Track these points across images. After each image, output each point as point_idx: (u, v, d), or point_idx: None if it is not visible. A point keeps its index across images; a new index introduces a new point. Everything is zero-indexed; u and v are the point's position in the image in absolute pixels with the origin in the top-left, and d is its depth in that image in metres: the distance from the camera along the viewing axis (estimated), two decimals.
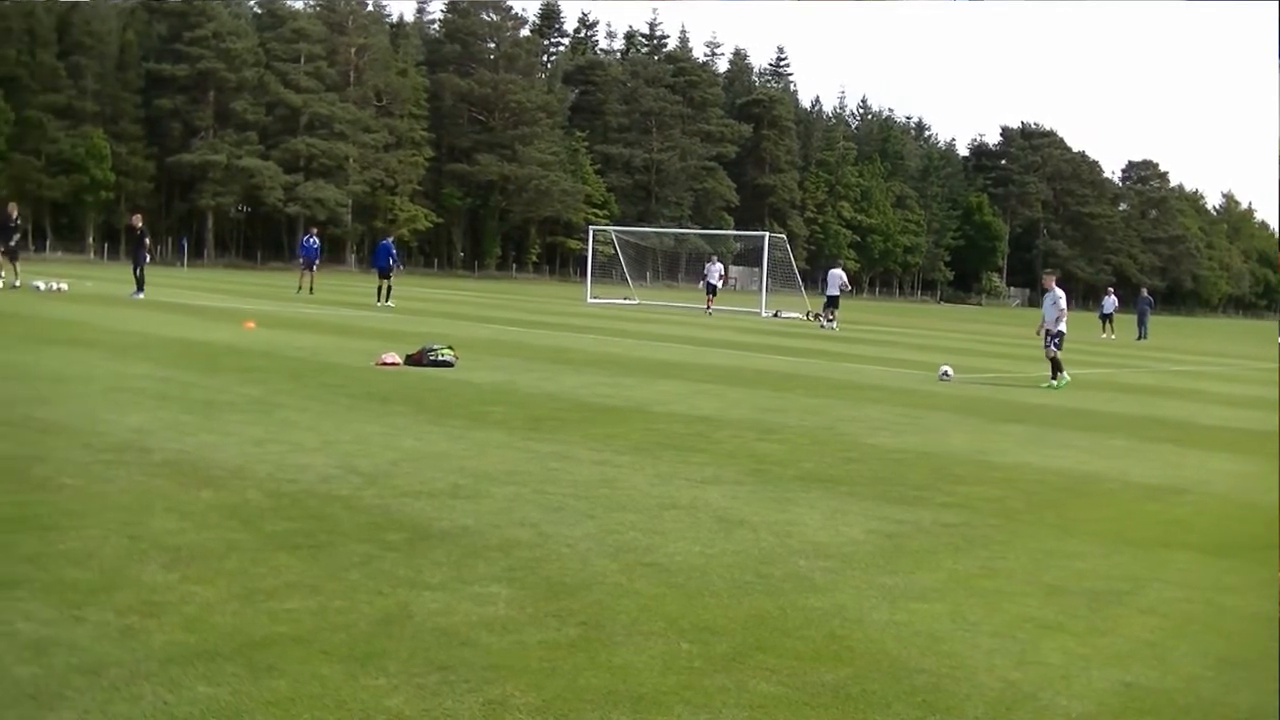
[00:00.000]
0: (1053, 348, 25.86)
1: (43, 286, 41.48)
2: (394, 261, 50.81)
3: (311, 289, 51.84)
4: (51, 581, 6.96)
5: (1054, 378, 25.75)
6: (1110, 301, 63.47)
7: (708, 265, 63.67)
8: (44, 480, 9.75)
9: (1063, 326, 26.10)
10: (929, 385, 24.63)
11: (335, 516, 9.03)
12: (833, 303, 51.44)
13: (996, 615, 7.52)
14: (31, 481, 9.67)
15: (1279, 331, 60.29)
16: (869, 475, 12.64)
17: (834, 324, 50.46)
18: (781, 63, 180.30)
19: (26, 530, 8.09)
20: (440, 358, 21.59)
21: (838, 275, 52.64)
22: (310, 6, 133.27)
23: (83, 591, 6.79)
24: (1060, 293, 26.38)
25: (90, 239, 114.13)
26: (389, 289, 49.02)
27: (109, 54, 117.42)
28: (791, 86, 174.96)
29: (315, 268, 53.95)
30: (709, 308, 59.99)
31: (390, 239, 55.20)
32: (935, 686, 6.20)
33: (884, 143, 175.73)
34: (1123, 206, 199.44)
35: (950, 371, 26.05)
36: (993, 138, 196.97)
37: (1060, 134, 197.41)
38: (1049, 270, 31.54)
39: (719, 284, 63.12)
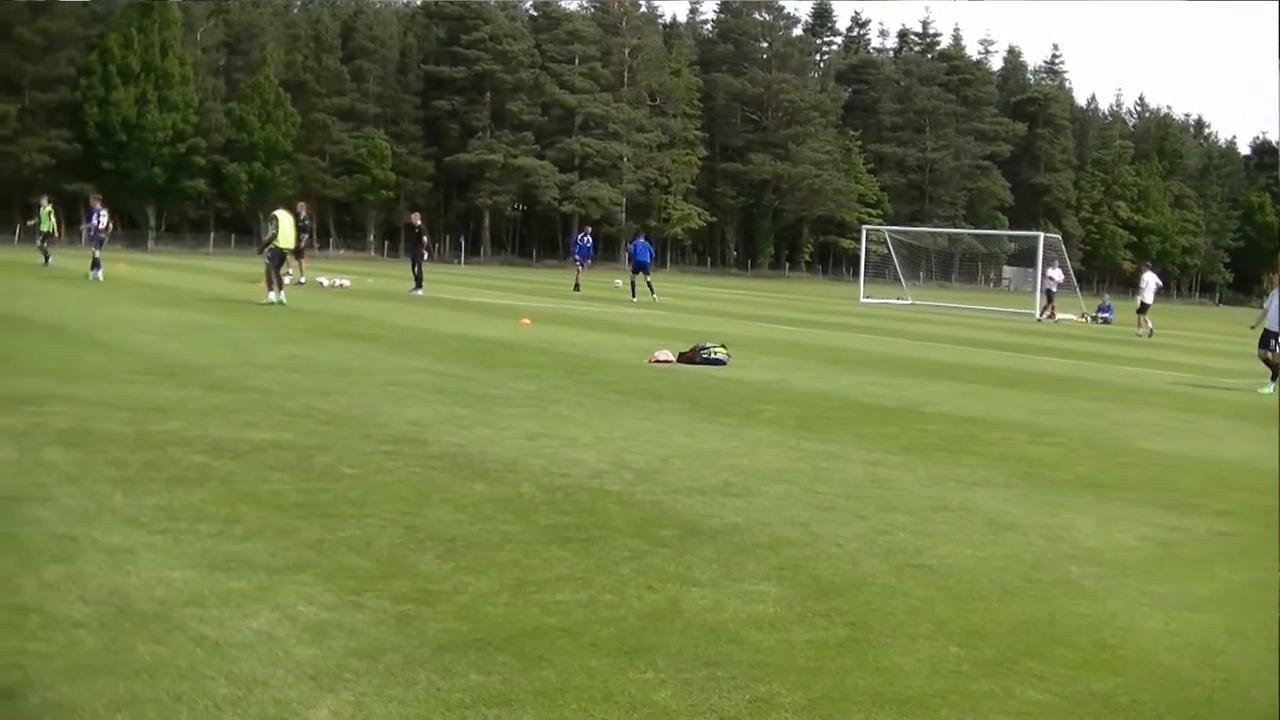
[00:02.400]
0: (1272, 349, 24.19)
1: (326, 283, 42.73)
2: (652, 258, 51.22)
3: (577, 285, 52.39)
4: (332, 567, 7.16)
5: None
6: None
7: (1048, 269, 61.24)
8: (326, 469, 10.02)
9: None
10: (1206, 390, 23.99)
11: (607, 511, 9.12)
12: (1144, 308, 49.25)
13: (1273, 629, 7.30)
14: (315, 470, 9.95)
15: None
16: (1143, 481, 12.35)
17: (1148, 330, 47.98)
18: (1056, 60, 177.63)
19: (309, 517, 8.34)
20: (713, 356, 21.65)
21: (1152, 279, 50.60)
22: (584, 8, 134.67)
23: (361, 578, 6.97)
24: None
25: (371, 236, 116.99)
26: (649, 285, 49.59)
27: (390, 58, 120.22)
28: (1067, 84, 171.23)
29: (586, 265, 54.52)
30: (1050, 315, 57.53)
31: (643, 237, 55.60)
32: (1208, 700, 6.04)
33: (1162, 141, 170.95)
34: None
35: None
36: (1276, 135, 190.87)
37: None
38: None
39: (1054, 289, 60.07)
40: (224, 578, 6.80)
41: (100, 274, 39.64)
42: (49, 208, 47.49)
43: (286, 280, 42.55)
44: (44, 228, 47.65)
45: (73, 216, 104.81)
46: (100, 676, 5.26)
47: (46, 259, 46.95)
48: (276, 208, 35.36)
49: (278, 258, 32.66)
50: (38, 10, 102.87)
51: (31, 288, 33.44)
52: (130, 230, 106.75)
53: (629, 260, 52.99)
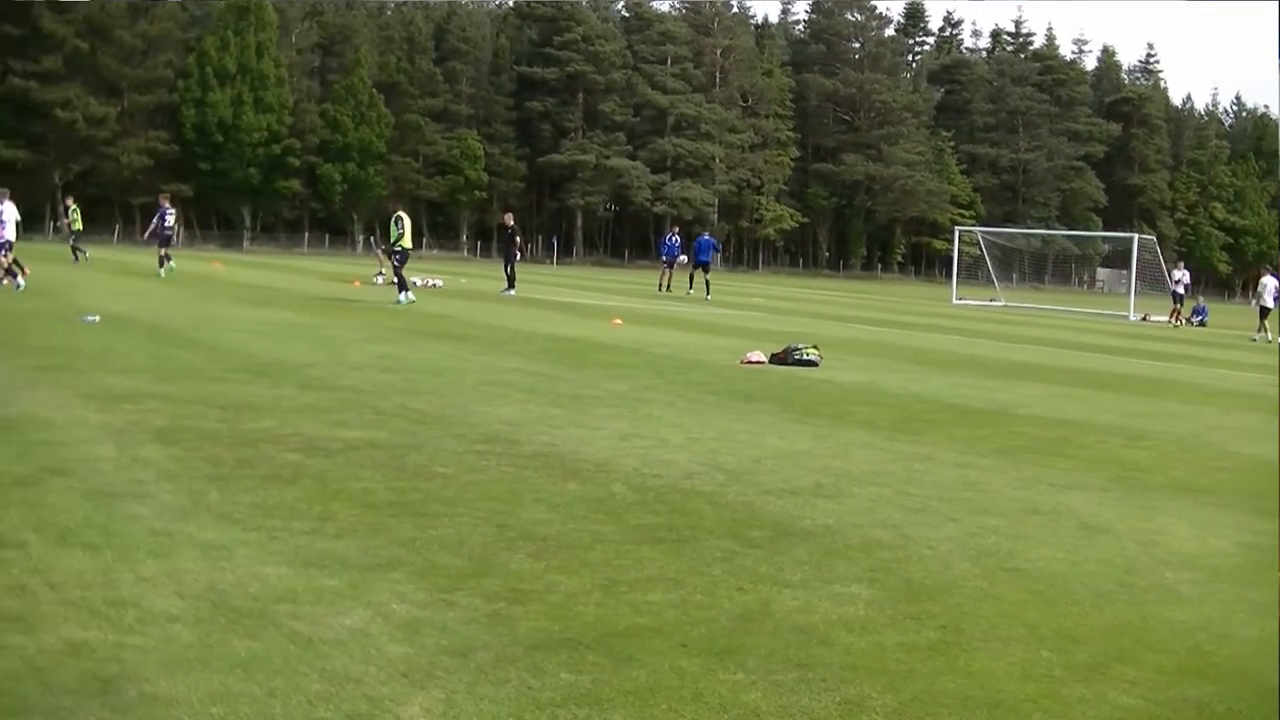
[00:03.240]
0: None
1: (419, 282, 42.97)
2: (716, 254, 51.64)
3: (668, 286, 52.44)
4: (424, 565, 7.19)
5: None
6: None
7: (1176, 272, 60.37)
8: (419, 468, 10.08)
9: None
10: None
11: (699, 512, 9.12)
12: (1265, 313, 48.14)
13: None
14: (407, 469, 10.01)
15: None
16: (1239, 485, 12.18)
17: (1266, 335, 46.72)
18: (1151, 59, 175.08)
19: (402, 515, 8.38)
20: (805, 357, 21.60)
21: (1272, 282, 48.72)
22: (676, 9, 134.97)
23: (453, 576, 7.00)
24: None
25: (464, 237, 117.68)
26: (707, 283, 50.05)
27: (483, 59, 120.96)
28: (1162, 84, 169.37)
29: (675, 266, 54.64)
30: (1178, 319, 56.75)
31: (707, 234, 55.68)
32: None
33: (1259, 141, 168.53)
34: None
35: None
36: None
37: None
38: None
39: (1183, 291, 58.73)
40: (317, 575, 6.86)
41: (171, 266, 41.68)
42: (75, 206, 48.50)
43: (379, 281, 42.99)
44: (76, 227, 48.54)
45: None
46: (196, 670, 5.32)
47: (76, 256, 47.71)
48: (400, 208, 35.83)
49: (404, 258, 33.40)
50: (137, 14, 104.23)
51: (131, 288, 33.83)
52: (226, 230, 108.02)
53: (691, 257, 53.23)
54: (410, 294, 32.53)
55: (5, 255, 31.60)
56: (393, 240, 33.84)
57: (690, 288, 49.74)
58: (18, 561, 6.79)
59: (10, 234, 32.69)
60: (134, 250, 49.45)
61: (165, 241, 43.19)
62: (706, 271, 50.67)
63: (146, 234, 43.27)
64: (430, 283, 44.55)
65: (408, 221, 33.74)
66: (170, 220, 43.70)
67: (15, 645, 5.52)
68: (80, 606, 6.10)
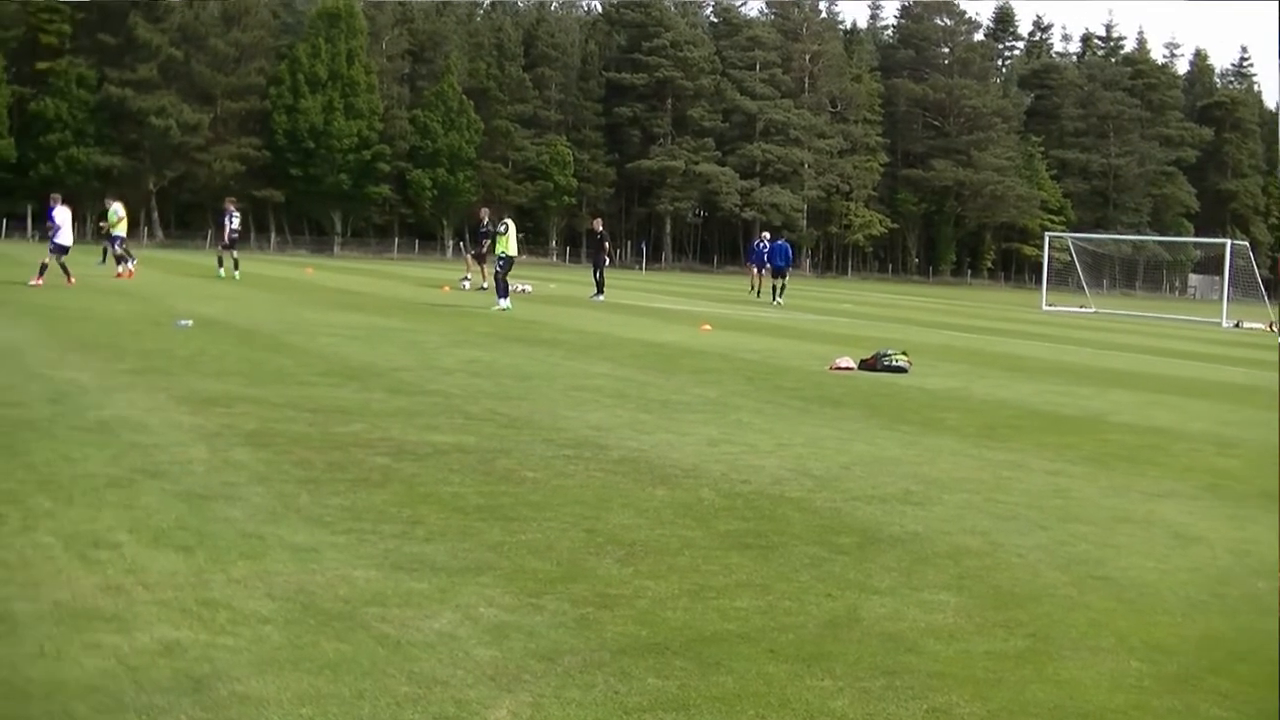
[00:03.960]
0: None
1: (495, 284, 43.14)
2: (787, 262, 51.79)
3: (760, 291, 52.37)
4: (513, 570, 7.22)
5: None
6: None
7: None
8: (508, 473, 10.12)
9: None
10: None
11: (786, 518, 9.10)
12: None
13: None
14: (496, 473, 10.05)
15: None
16: None
17: None
18: (1245, 63, 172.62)
19: (491, 519, 8.42)
20: (894, 363, 21.52)
21: None
22: (765, 14, 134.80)
23: (542, 580, 7.02)
24: None
25: (553, 242, 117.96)
26: (782, 288, 50.56)
27: (572, 65, 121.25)
28: (1255, 87, 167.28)
29: (764, 271, 54.62)
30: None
31: (782, 238, 55.52)
32: None
33: None
34: None
35: None
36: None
37: None
38: None
39: None
40: (406, 578, 6.90)
41: (238, 272, 42.26)
42: (115, 207, 49.13)
43: (466, 285, 43.20)
44: (116, 230, 49.12)
45: (262, 221, 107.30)
46: (286, 671, 5.37)
47: (104, 257, 48.28)
48: (506, 214, 36.11)
49: (507, 264, 33.36)
50: (230, 22, 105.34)
51: (223, 292, 34.16)
52: (316, 236, 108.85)
53: (759, 260, 53.31)
54: (507, 302, 32.44)
55: (55, 258, 32.52)
56: (496, 247, 33.94)
57: (775, 297, 49.65)
58: (113, 562, 6.88)
59: (66, 239, 33.47)
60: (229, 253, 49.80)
61: (231, 244, 44.19)
62: (781, 276, 50.84)
63: (222, 241, 44.15)
64: (520, 288, 44.72)
65: (513, 228, 33.81)
66: (236, 224, 44.49)
67: (110, 644, 5.59)
68: (173, 606, 6.17)
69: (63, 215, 34.07)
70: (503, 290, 32.84)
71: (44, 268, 32.01)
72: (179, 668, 5.35)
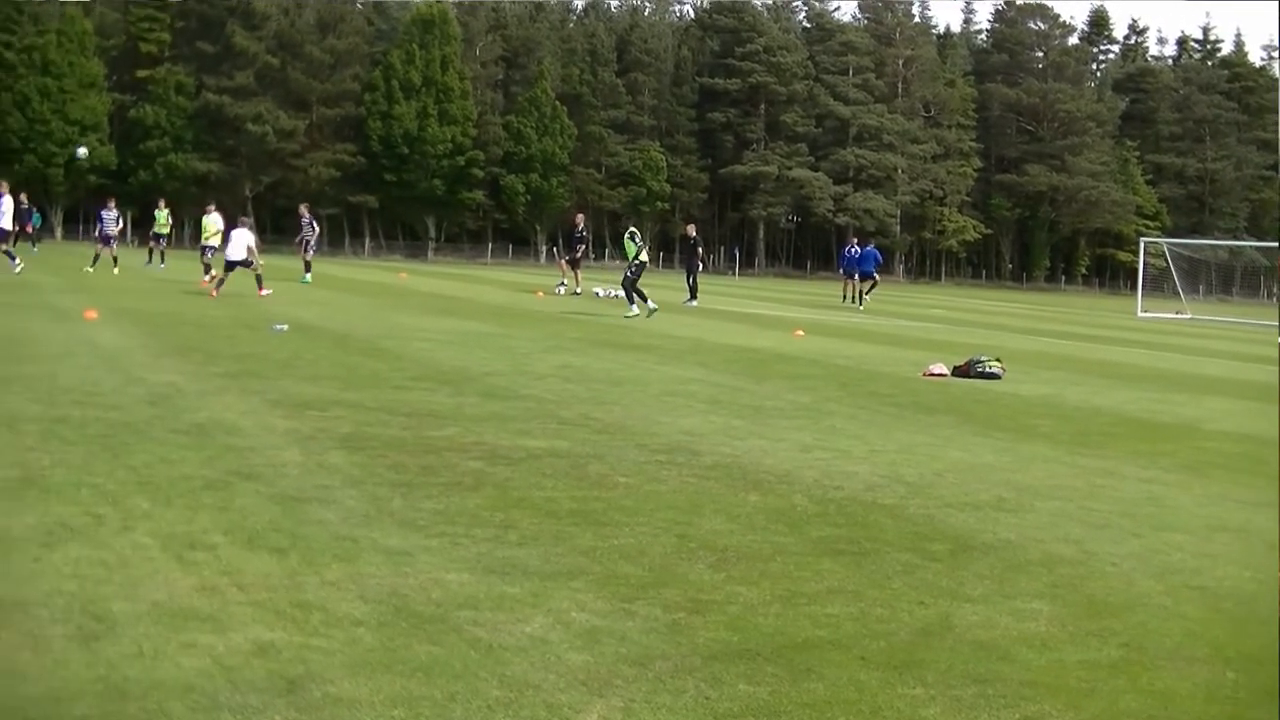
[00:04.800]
0: None
1: (601, 293, 43.30)
2: (878, 264, 51.92)
3: (852, 297, 52.26)
4: (605, 574, 7.23)
5: None
6: None
7: None
8: (601, 478, 10.14)
9: None
10: None
11: (879, 524, 9.07)
12: None
13: None
14: (589, 478, 10.07)
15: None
16: None
17: None
18: None
19: (584, 524, 8.44)
20: (987, 369, 21.39)
21: None
22: (858, 19, 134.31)
23: (633, 586, 7.03)
24: None
25: (646, 248, 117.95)
26: (869, 289, 51.24)
27: (665, 70, 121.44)
28: None
29: (856, 278, 54.54)
30: None
31: (871, 244, 55.33)
32: None
33: None
34: None
35: None
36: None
37: None
38: None
39: None
40: (498, 582, 6.93)
41: (309, 277, 42.65)
42: (166, 211, 49.78)
43: (560, 291, 43.35)
44: (160, 230, 49.73)
45: (357, 227, 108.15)
46: (378, 673, 5.41)
47: (150, 258, 48.79)
48: (632, 224, 36.28)
49: (638, 271, 33.27)
50: (326, 30, 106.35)
51: (318, 297, 34.43)
52: (410, 241, 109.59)
53: (851, 266, 53.34)
54: (636, 309, 32.09)
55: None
56: (630, 255, 33.88)
57: (859, 302, 49.73)
58: (208, 563, 6.95)
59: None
60: (320, 260, 50.27)
61: (575, 264, 45.05)
62: (864, 281, 50.94)
63: (305, 246, 44.95)
64: (613, 293, 44.81)
65: (639, 236, 33.87)
66: (314, 229, 45.22)
67: (206, 644, 5.65)
68: (267, 608, 6.23)
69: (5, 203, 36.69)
70: (634, 296, 32.52)
71: (208, 268, 33.45)
72: (273, 668, 5.41)
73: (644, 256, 33.86)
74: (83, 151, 20.65)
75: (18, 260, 36.67)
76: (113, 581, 6.54)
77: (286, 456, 10.17)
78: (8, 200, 37.71)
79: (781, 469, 11.04)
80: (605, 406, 14.62)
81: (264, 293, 31.80)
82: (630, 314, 31.73)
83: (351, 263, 55.19)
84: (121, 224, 48.29)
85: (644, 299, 32.49)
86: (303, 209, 47.36)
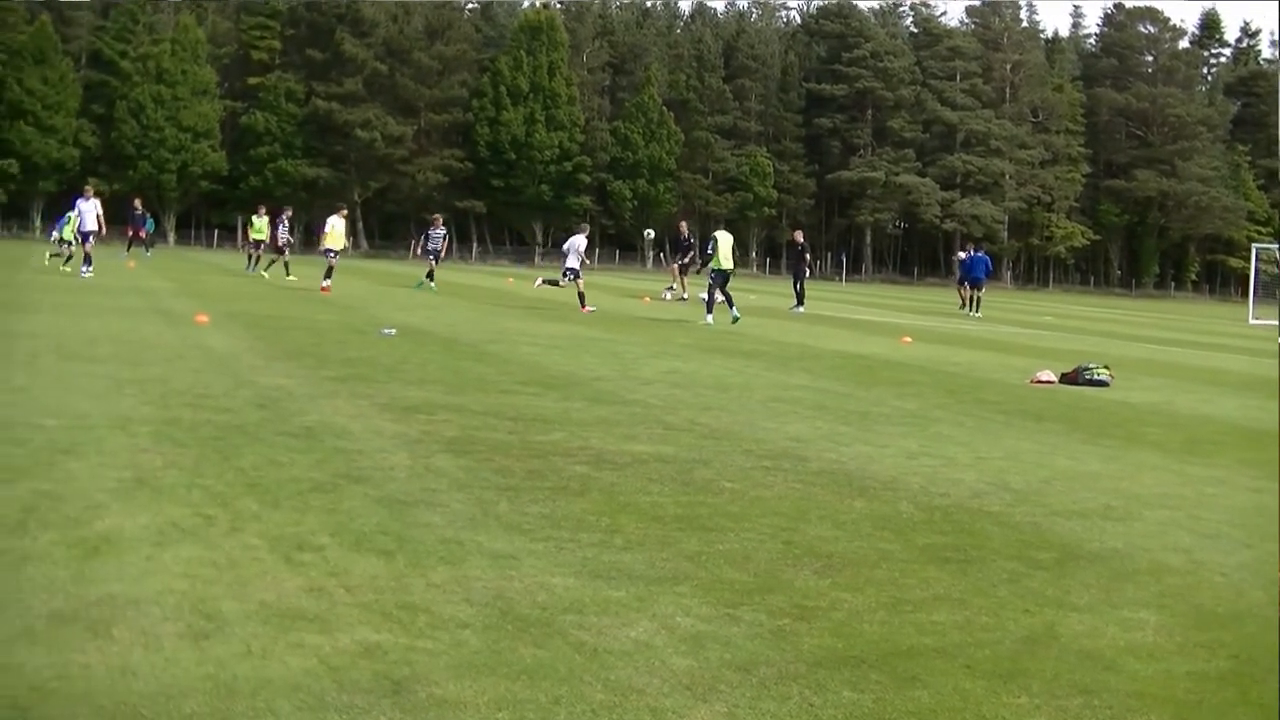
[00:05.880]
0: None
1: (677, 296, 43.36)
2: (987, 273, 51.52)
3: (966, 304, 52.02)
4: (710, 580, 7.23)
5: None
6: None
7: None
8: (707, 483, 10.14)
9: None
10: None
11: (985, 532, 9.02)
12: None
13: None
14: (695, 483, 10.08)
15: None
16: None
17: None
18: None
19: (689, 529, 8.44)
20: (1096, 377, 21.21)
21: None
22: (965, 24, 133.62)
23: (738, 591, 7.02)
24: None
25: (753, 253, 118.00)
26: (975, 300, 50.52)
27: (772, 76, 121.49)
28: None
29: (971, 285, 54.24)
30: None
31: (982, 250, 54.87)
32: None
33: None
34: None
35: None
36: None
37: None
38: None
39: None
40: (603, 586, 6.95)
41: (432, 285, 43.46)
42: (265, 218, 50.33)
43: (668, 297, 43.40)
44: (257, 236, 50.24)
45: (464, 232, 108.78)
46: (483, 676, 5.44)
47: (251, 264, 49.28)
48: (720, 227, 36.04)
49: (721, 279, 32.71)
50: (434, 36, 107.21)
51: (426, 301, 34.67)
52: (518, 246, 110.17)
53: (964, 273, 52.91)
54: (711, 318, 31.84)
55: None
56: (705, 260, 33.59)
57: (971, 308, 49.48)
58: (316, 564, 7.02)
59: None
60: (426, 265, 50.62)
61: (436, 257, 45.82)
62: (976, 288, 50.56)
63: (419, 251, 45.76)
64: (665, 295, 44.99)
65: (721, 241, 33.00)
66: (440, 240, 45.68)
67: (313, 644, 5.72)
68: (374, 609, 6.29)
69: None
70: (711, 305, 32.29)
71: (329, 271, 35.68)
72: (379, 669, 5.46)
73: (722, 264, 32.68)
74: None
75: (90, 267, 37.61)
76: (222, 581, 6.63)
77: (394, 460, 10.25)
78: (92, 203, 38.95)
79: (887, 475, 11.00)
80: (712, 412, 14.62)
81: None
82: (704, 321, 31.51)
83: (458, 267, 55.56)
84: (287, 233, 49.29)
85: (708, 309, 32.30)
86: (434, 218, 48.18)
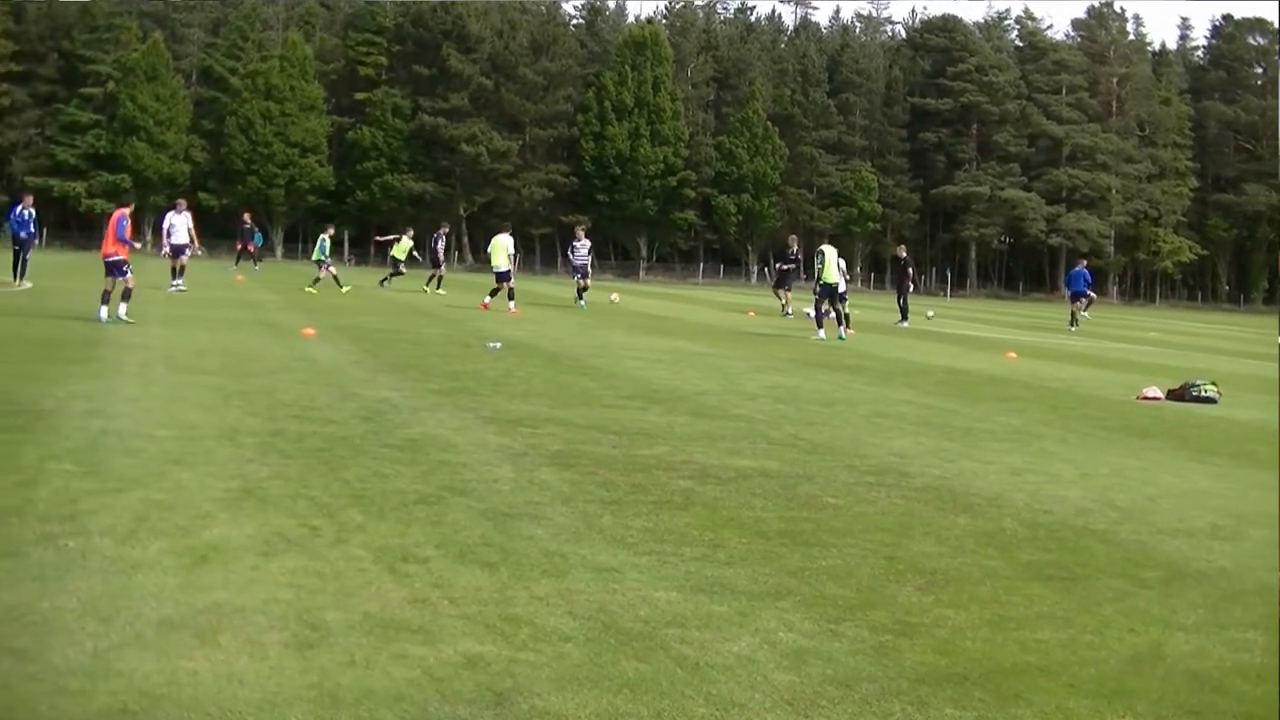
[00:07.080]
0: None
1: (812, 314, 43.18)
2: (1087, 285, 51.21)
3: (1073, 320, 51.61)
4: (813, 595, 7.23)
5: None
6: None
7: None
8: (810, 498, 10.13)
9: None
10: None
11: (1090, 550, 8.95)
12: None
13: None
14: (798, 499, 10.07)
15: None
16: None
17: None
18: None
19: (792, 545, 8.44)
20: (1203, 393, 20.97)
21: None
22: (1071, 38, 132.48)
23: (841, 607, 7.02)
24: None
25: (857, 268, 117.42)
26: (1085, 307, 50.65)
27: (876, 90, 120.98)
28: None
29: (1071, 298, 53.79)
30: None
31: (1084, 264, 54.39)
32: None
33: None
34: None
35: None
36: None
37: None
38: None
39: None
40: (706, 600, 6.96)
41: (584, 303, 42.47)
42: (410, 242, 50.50)
43: (789, 314, 43.28)
44: (399, 255, 50.40)
45: (569, 247, 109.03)
46: (585, 689, 5.47)
47: (387, 279, 49.49)
48: (824, 242, 35.94)
49: (825, 293, 32.85)
50: (539, 52, 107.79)
51: (531, 315, 34.79)
52: (622, 260, 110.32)
53: (1067, 287, 52.72)
54: (824, 332, 31.81)
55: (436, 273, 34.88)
56: (816, 276, 33.45)
57: (1070, 322, 49.20)
58: (420, 576, 7.08)
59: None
60: (531, 279, 50.81)
61: (585, 274, 44.41)
62: (1075, 301, 50.27)
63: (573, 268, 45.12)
64: (806, 312, 44.86)
65: (829, 256, 32.83)
66: (584, 252, 44.81)
67: (417, 655, 5.77)
68: (477, 621, 6.34)
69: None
70: (821, 320, 32.21)
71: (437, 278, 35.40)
72: (481, 681, 5.50)
73: (829, 277, 32.62)
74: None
75: (181, 280, 36.93)
76: (327, 591, 6.70)
77: (498, 473, 10.32)
78: (184, 216, 38.70)
79: (991, 492, 10.94)
80: (815, 427, 14.60)
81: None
82: (815, 337, 31.54)
83: (565, 282, 55.95)
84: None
85: (817, 324, 32.24)
86: (579, 230, 47.00)
